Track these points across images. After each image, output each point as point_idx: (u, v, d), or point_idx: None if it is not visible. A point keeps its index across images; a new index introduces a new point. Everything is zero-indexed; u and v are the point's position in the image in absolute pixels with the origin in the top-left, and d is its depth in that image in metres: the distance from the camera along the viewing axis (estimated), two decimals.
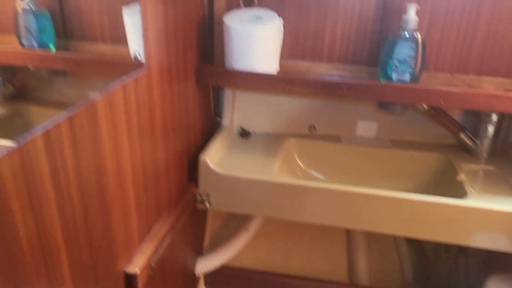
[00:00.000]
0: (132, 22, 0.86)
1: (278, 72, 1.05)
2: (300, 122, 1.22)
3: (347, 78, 1.06)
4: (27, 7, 0.95)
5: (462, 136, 1.11)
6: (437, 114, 1.08)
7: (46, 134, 0.51)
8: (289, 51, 1.07)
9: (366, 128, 1.22)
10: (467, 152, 1.13)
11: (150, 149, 0.82)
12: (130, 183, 0.74)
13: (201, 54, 1.04)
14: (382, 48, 0.98)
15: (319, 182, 1.15)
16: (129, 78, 0.72)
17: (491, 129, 1.07)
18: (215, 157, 1.06)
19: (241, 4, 1.05)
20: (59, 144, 0.53)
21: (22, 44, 0.97)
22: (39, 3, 0.97)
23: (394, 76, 0.97)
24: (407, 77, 0.96)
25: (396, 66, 0.96)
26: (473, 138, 1.11)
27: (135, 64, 0.83)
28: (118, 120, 0.68)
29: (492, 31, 0.97)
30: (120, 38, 0.93)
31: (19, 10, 0.95)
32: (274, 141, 1.19)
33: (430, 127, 1.15)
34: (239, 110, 1.21)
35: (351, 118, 1.20)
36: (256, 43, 0.95)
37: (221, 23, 0.99)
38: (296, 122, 1.22)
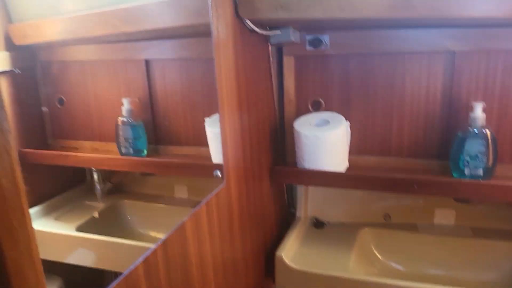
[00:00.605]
0: (212, 129, 0.98)
1: (347, 169, 1.10)
2: (375, 211, 1.23)
3: (418, 171, 1.07)
4: (125, 120, 1.13)
5: None
6: None
7: (146, 261, 0.60)
8: (357, 147, 1.12)
9: (444, 216, 1.19)
10: None
11: (230, 251, 0.90)
12: (213, 285, 0.82)
13: (274, 155, 1.13)
14: (452, 143, 0.99)
15: (397, 280, 1.13)
16: (211, 195, 0.81)
17: None
18: (291, 251, 1.11)
19: (310, 108, 1.14)
20: (156, 268, 0.62)
21: (120, 151, 1.15)
22: (135, 115, 1.15)
23: (467, 171, 0.96)
24: (480, 172, 0.95)
25: (468, 162, 0.96)
26: None
27: (215, 165, 0.93)
28: (202, 234, 0.77)
29: None
30: (202, 141, 1.06)
31: (119, 123, 1.13)
32: (349, 231, 1.21)
33: None
34: (312, 201, 1.26)
35: (427, 206, 1.18)
36: (325, 145, 1.02)
37: (292, 127, 1.08)
38: (371, 211, 1.23)
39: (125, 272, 0.56)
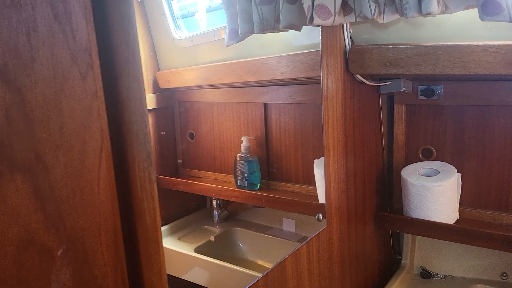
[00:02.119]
0: (319, 171, 1.05)
1: (458, 221, 1.06)
2: (490, 267, 1.15)
3: None
4: (243, 156, 1.27)
5: None
6: None
7: None
8: (470, 199, 1.08)
9: None
10: None
11: None
12: None
13: (380, 200, 1.15)
14: None
15: None
16: (311, 236, 0.88)
17: None
18: None
19: (420, 156, 1.14)
20: None
21: (236, 184, 1.29)
22: (252, 152, 1.28)
23: None
24: None
25: None
26: None
27: (319, 205, 1.00)
28: (301, 272, 0.84)
29: None
30: (311, 181, 1.14)
31: (237, 158, 1.28)
32: (459, 286, 1.15)
33: None
34: (420, 249, 1.23)
35: None
36: (431, 196, 1.01)
37: (399, 173, 1.10)
38: (485, 267, 1.15)
39: None
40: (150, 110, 1.29)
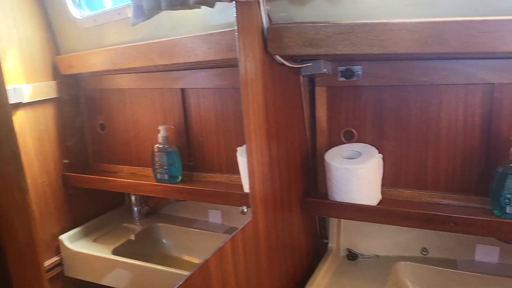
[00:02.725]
0: (243, 159, 0.99)
1: (380, 201, 1.07)
2: (412, 244, 1.18)
3: (455, 207, 1.02)
4: (161, 147, 1.17)
5: None
6: None
7: None
8: (391, 180, 1.09)
9: (487, 252, 1.12)
10: None
11: (256, 285, 0.89)
12: None
13: (305, 185, 1.12)
14: (492, 179, 0.94)
15: None
16: (236, 231, 0.82)
17: None
18: (321, 284, 1.08)
19: (342, 138, 1.12)
20: None
21: (156, 177, 1.18)
22: (171, 142, 1.18)
23: (508, 209, 0.91)
24: None
25: (508, 200, 0.90)
26: None
27: (244, 194, 0.94)
28: (227, 270, 0.77)
29: None
30: (235, 169, 1.07)
31: (155, 150, 1.17)
32: (383, 265, 1.17)
33: None
34: (345, 232, 1.23)
35: (468, 241, 1.12)
36: (355, 178, 1.00)
37: (323, 157, 1.07)
38: (407, 244, 1.19)
39: None
40: (50, 99, 1.13)
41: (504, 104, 0.94)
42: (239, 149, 1.05)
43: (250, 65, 0.84)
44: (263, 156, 0.92)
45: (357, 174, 1.00)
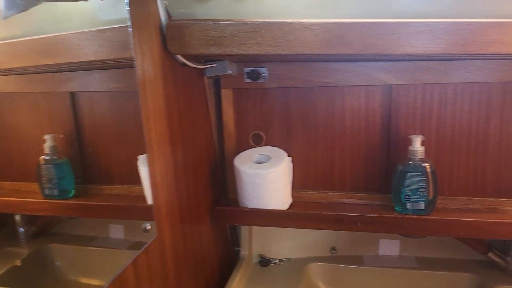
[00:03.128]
0: (145, 169, 0.90)
1: (291, 205, 1.05)
2: (321, 244, 1.19)
3: (360, 205, 1.05)
4: (49, 158, 1.01)
5: (491, 255, 1.05)
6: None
7: None
8: (301, 182, 1.08)
9: (389, 246, 1.18)
10: (500, 269, 1.06)
11: None
12: None
13: (214, 193, 1.06)
14: (393, 176, 0.98)
15: None
16: (139, 252, 0.73)
17: None
18: None
19: (251, 142, 1.08)
20: None
21: (43, 193, 1.03)
22: (60, 152, 1.03)
23: (409, 205, 0.95)
24: (421, 205, 0.94)
25: (408, 196, 0.94)
26: (503, 256, 1.05)
27: (148, 207, 0.85)
28: None
29: (503, 153, 0.96)
30: (136, 179, 0.97)
31: (41, 162, 1.02)
32: (295, 267, 1.16)
33: (457, 244, 1.10)
34: (257, 238, 1.20)
35: (372, 237, 1.17)
36: (266, 183, 0.97)
37: (232, 163, 1.02)
38: (317, 245, 1.20)
39: None
40: None
41: (401, 104, 0.98)
42: (140, 157, 0.95)
43: (148, 65, 0.75)
44: (167, 164, 0.84)
45: (268, 179, 0.97)
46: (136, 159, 0.96)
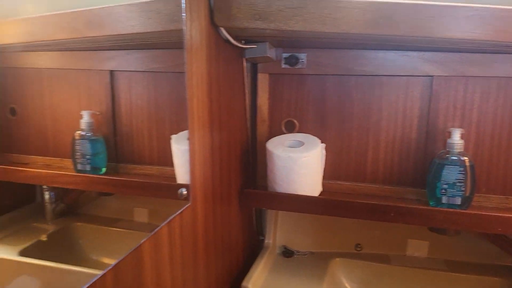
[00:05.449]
0: (179, 146, 0.91)
1: (321, 193, 1.04)
2: (346, 240, 1.17)
3: (393, 199, 1.03)
4: (84, 134, 1.03)
5: None
6: (496, 237, 1.00)
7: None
8: (332, 172, 1.07)
9: (417, 247, 1.15)
10: None
11: (192, 280, 0.81)
12: None
13: (244, 177, 1.06)
14: (429, 170, 0.96)
15: None
16: (174, 215, 0.73)
17: None
18: (258, 282, 1.02)
19: (283, 129, 1.08)
20: None
21: (76, 168, 1.04)
22: (96, 129, 1.05)
23: (444, 199, 0.93)
24: (458, 200, 0.92)
25: (445, 190, 0.92)
26: None
27: (178, 185, 0.85)
28: (162, 259, 0.68)
29: None
30: (167, 161, 0.98)
31: (77, 137, 1.03)
32: (318, 261, 1.14)
33: (489, 247, 1.07)
34: (281, 228, 1.19)
35: (400, 237, 1.14)
36: (298, 168, 0.96)
37: (263, 148, 1.02)
38: (342, 240, 1.17)
39: None
40: None
41: (441, 96, 0.96)
42: (174, 136, 0.96)
43: (195, 32, 0.76)
44: (205, 141, 0.85)
45: (301, 163, 0.96)
46: (168, 141, 0.97)
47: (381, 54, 0.97)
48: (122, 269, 0.57)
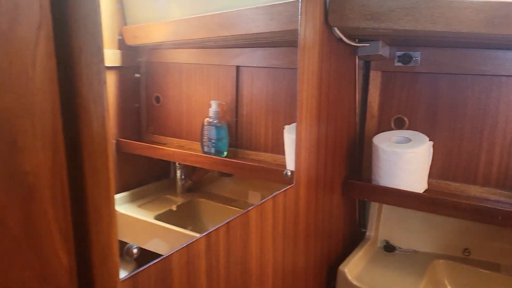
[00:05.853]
0: (290, 135, 1.01)
1: (426, 191, 1.05)
2: (453, 243, 1.15)
3: (503, 203, 0.98)
4: (211, 121, 1.20)
5: None
6: None
7: (208, 236, 0.64)
8: (440, 170, 1.07)
9: None
10: None
11: (292, 255, 0.90)
12: (270, 286, 0.82)
13: (349, 169, 1.12)
14: None
15: None
16: (278, 191, 0.83)
17: None
18: (355, 269, 1.07)
19: (392, 125, 1.11)
20: (216, 246, 0.66)
21: (203, 150, 1.22)
22: (221, 117, 1.21)
23: None
24: None
25: None
26: None
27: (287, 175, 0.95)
28: (265, 227, 0.79)
29: None
30: (280, 150, 1.09)
31: (205, 123, 1.21)
32: (421, 260, 1.14)
33: None
34: (385, 222, 1.21)
35: None
36: (403, 164, 0.99)
37: (370, 142, 1.07)
38: (448, 243, 1.15)
39: (188, 241, 0.60)
40: (114, 67, 1.20)
41: None
42: (286, 127, 1.06)
43: (309, 32, 0.85)
44: (312, 127, 0.93)
45: (405, 159, 0.98)
46: (282, 131, 1.07)
47: (500, 53, 0.93)
48: (233, 226, 0.69)
